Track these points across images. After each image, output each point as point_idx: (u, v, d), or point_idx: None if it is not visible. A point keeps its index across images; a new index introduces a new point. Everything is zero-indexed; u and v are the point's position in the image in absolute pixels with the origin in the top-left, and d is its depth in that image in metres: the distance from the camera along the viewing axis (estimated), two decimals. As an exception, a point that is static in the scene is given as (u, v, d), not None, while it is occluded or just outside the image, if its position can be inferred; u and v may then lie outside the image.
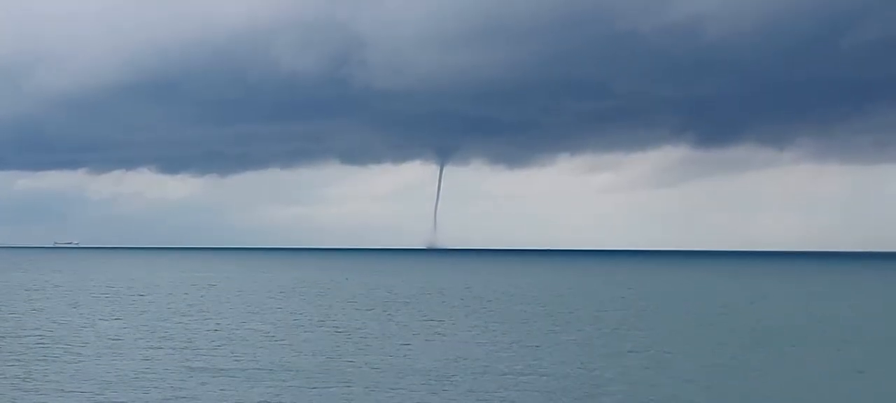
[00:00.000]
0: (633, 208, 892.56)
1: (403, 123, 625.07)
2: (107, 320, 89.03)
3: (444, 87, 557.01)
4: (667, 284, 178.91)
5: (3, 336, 72.88)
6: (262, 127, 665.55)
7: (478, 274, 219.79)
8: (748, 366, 58.55)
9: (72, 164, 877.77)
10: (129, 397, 47.51)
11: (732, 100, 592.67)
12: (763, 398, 48.70)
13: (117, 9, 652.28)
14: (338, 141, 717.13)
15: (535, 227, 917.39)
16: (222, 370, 55.96)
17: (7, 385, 50.43)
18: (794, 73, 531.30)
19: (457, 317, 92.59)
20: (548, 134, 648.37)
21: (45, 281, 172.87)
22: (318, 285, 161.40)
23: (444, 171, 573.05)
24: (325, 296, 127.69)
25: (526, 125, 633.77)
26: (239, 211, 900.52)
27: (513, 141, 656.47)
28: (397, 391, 49.04)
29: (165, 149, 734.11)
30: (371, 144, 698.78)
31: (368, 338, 73.05)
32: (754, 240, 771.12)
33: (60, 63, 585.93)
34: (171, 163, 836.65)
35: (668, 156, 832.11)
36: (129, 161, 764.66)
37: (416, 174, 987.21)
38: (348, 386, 50.34)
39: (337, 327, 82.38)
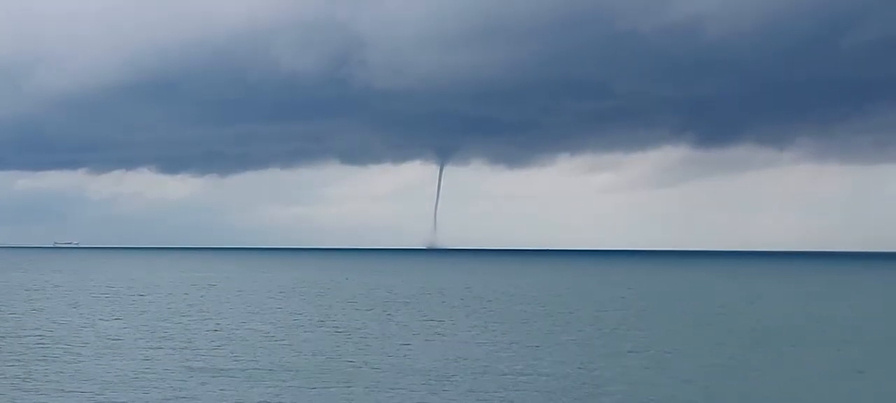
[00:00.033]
0: (632, 208, 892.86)
1: (403, 123, 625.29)
2: (107, 320, 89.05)
3: (444, 87, 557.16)
4: (666, 284, 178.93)
5: (3, 337, 72.91)
6: (262, 127, 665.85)
7: (478, 274, 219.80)
8: (748, 366, 58.57)
9: (72, 164, 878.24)
10: (129, 397, 47.53)
11: (732, 100, 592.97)
12: (763, 398, 48.71)
13: (117, 9, 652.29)
14: (338, 141, 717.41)
15: (535, 227, 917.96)
16: (222, 370, 55.97)
17: (7, 385, 50.45)
18: (794, 73, 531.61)
19: (457, 317, 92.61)
20: (548, 134, 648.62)
21: (45, 281, 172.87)
22: (318, 285, 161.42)
23: (444, 171, 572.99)
24: (325, 296, 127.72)
25: (526, 125, 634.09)
26: (239, 211, 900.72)
27: (513, 141, 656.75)
28: (397, 391, 49.06)
29: (165, 149, 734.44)
30: (371, 144, 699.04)
31: (368, 338, 73.06)
32: (754, 240, 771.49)
33: (60, 63, 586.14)
34: (171, 163, 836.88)
35: (668, 156, 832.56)
36: (129, 161, 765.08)
37: (416, 174, 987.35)
38: (348, 386, 50.36)
39: (337, 327, 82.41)
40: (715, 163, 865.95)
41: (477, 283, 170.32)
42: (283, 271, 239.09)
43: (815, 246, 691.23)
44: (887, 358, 64.07)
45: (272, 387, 50.11)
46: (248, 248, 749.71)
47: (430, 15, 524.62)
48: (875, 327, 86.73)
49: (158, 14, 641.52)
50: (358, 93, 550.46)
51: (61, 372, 54.84)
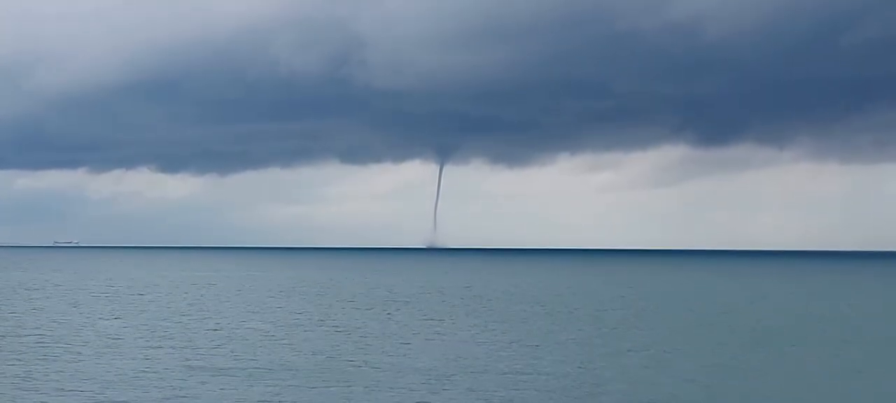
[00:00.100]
0: (632, 207, 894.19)
1: (403, 123, 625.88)
2: (107, 319, 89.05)
3: (444, 87, 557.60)
4: (666, 283, 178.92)
5: (4, 336, 72.90)
6: (261, 126, 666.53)
7: (477, 274, 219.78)
8: (748, 366, 58.55)
9: (72, 164, 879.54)
10: (130, 396, 47.52)
11: (732, 99, 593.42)
12: (763, 398, 48.69)
13: (117, 8, 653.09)
14: (338, 140, 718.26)
15: (535, 227, 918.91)
16: (222, 369, 55.97)
17: (7, 385, 50.44)
18: (793, 72, 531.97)
19: (457, 317, 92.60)
20: (548, 133, 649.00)
21: (44, 280, 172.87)
22: (317, 284, 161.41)
23: (443, 171, 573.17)
24: (324, 295, 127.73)
25: (526, 124, 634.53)
26: (239, 210, 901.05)
27: (513, 140, 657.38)
28: (397, 390, 49.05)
29: (165, 148, 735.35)
30: (371, 144, 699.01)
31: (368, 338, 73.05)
32: (754, 240, 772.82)
33: (60, 63, 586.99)
34: (171, 163, 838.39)
35: (668, 155, 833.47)
36: (128, 160, 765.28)
37: (416, 173, 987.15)
38: (348, 386, 50.34)
39: (337, 326, 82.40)
40: (715, 163, 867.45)
41: (477, 282, 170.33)
42: (282, 270, 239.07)
43: (814, 246, 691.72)
44: (887, 358, 64.07)
45: (272, 386, 50.11)
46: (247, 247, 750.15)
47: (430, 14, 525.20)
48: (875, 327, 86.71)
49: (158, 13, 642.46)
50: (358, 92, 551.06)
51: (61, 372, 54.85)
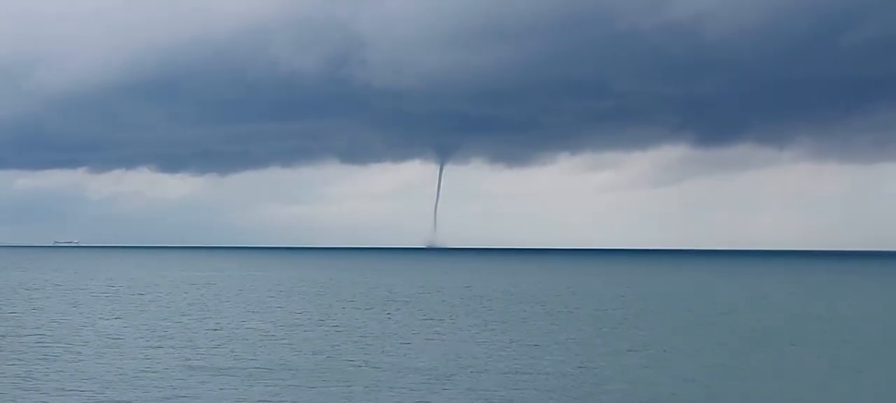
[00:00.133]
0: (632, 207, 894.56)
1: (403, 122, 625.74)
2: (107, 319, 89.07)
3: (444, 87, 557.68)
4: (666, 283, 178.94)
5: (4, 336, 72.92)
6: (261, 126, 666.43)
7: (477, 273, 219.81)
8: (747, 365, 58.55)
9: (72, 163, 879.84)
10: (130, 396, 47.54)
11: (732, 98, 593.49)
12: (763, 398, 48.71)
13: (117, 8, 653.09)
14: (337, 140, 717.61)
15: (535, 226, 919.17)
16: (222, 369, 56.00)
17: (8, 384, 50.47)
18: (793, 72, 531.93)
19: (456, 316, 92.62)
20: (548, 133, 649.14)
21: (44, 280, 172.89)
22: (317, 284, 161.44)
23: (444, 170, 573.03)
24: (324, 295, 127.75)
25: (526, 124, 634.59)
26: (239, 210, 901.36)
27: (513, 140, 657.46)
28: (397, 390, 49.07)
29: (165, 148, 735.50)
30: (371, 143, 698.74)
31: (368, 337, 73.08)
32: (754, 239, 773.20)
33: (60, 63, 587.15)
34: (171, 162, 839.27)
35: (668, 154, 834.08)
36: (128, 160, 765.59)
37: (416, 173, 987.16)
38: (348, 385, 50.36)
39: (337, 326, 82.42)
40: (714, 162, 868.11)
41: (477, 282, 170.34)
42: (282, 270, 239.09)
43: (814, 245, 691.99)
44: (887, 358, 64.08)
45: (272, 386, 50.13)
46: (247, 247, 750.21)
47: (430, 14, 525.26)
48: (875, 327, 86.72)
49: (158, 13, 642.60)
50: (358, 92, 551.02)
51: (62, 371, 54.87)
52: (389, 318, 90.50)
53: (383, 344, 68.08)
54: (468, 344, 68.26)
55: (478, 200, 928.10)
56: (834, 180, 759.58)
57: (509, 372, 54.77)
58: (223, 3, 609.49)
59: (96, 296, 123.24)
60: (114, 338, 71.95)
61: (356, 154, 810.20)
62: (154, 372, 54.39)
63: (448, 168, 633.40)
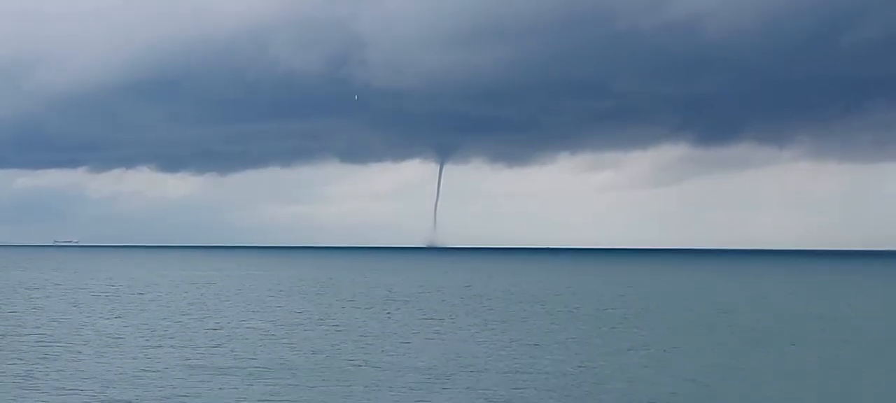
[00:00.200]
0: (632, 206, 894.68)
1: (403, 122, 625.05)
2: (107, 318, 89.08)
3: (444, 87, 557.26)
4: (666, 283, 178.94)
5: (4, 335, 72.94)
6: (261, 125, 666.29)
7: (477, 273, 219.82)
8: (748, 366, 58.56)
9: (72, 163, 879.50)
10: (130, 395, 47.55)
11: (732, 98, 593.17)
12: (763, 398, 48.72)
13: (117, 8, 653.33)
14: (337, 139, 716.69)
15: (535, 226, 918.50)
16: (222, 368, 56.01)
17: (8, 384, 50.48)
18: (793, 71, 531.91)
19: (456, 316, 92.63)
20: (548, 133, 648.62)
21: (45, 279, 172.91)
22: (317, 283, 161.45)
23: (443, 170, 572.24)
24: (324, 295, 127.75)
25: (526, 124, 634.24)
26: (239, 209, 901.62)
27: (513, 139, 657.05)
28: (397, 389, 49.08)
29: (165, 147, 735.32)
30: (371, 143, 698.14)
31: (368, 337, 73.09)
32: (753, 239, 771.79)
33: (60, 62, 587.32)
34: (171, 162, 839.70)
35: (668, 154, 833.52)
36: (128, 159, 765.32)
37: (415, 172, 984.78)
38: (348, 385, 50.38)
39: (336, 325, 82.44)
40: (714, 162, 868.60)
41: (477, 282, 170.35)
42: (282, 269, 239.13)
43: (814, 245, 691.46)
44: (887, 358, 64.09)
45: (272, 385, 50.14)
46: (247, 247, 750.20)
47: (430, 14, 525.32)
48: (875, 327, 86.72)
49: (158, 13, 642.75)
50: (358, 91, 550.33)
51: (62, 371, 54.88)
52: (389, 318, 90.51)
53: (383, 344, 68.09)
54: (468, 344, 68.27)
55: (478, 200, 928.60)
56: (834, 179, 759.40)
57: (509, 372, 54.77)
58: (223, 3, 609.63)
59: (96, 296, 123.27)
60: (114, 338, 71.97)
61: (356, 154, 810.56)
62: (154, 372, 54.40)
63: (448, 167, 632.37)
